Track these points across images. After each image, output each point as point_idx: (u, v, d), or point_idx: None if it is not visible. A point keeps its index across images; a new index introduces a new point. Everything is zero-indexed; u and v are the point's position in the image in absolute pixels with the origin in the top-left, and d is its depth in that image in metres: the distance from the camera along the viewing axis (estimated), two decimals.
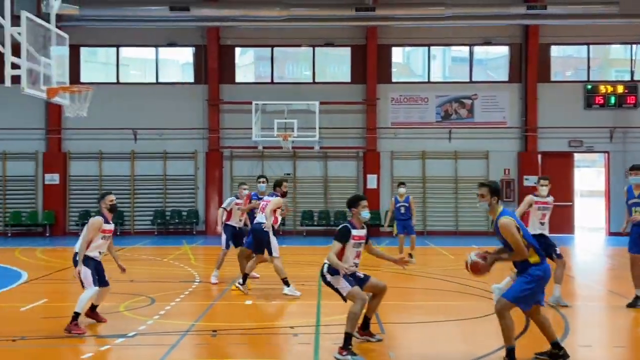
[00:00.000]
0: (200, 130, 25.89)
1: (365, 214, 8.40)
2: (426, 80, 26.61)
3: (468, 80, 26.44)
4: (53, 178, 25.43)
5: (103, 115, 23.45)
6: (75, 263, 9.23)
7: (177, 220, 25.85)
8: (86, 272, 9.18)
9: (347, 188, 26.00)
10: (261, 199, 12.92)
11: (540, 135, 25.85)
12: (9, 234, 25.18)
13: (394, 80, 26.41)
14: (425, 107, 26.04)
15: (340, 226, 8.42)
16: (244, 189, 13.66)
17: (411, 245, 16.96)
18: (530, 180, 25.63)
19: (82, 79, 24.67)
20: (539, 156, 25.88)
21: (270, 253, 12.02)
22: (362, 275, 8.53)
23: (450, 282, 13.47)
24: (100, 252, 9.42)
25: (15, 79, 9.39)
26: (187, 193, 26.06)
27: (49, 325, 9.41)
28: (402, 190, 17.12)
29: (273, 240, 11.96)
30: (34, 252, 19.54)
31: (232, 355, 8.23)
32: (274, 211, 12.01)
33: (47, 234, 25.38)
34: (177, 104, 25.77)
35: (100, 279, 9.37)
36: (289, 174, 25.94)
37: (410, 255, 16.19)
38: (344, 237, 8.26)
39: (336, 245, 8.26)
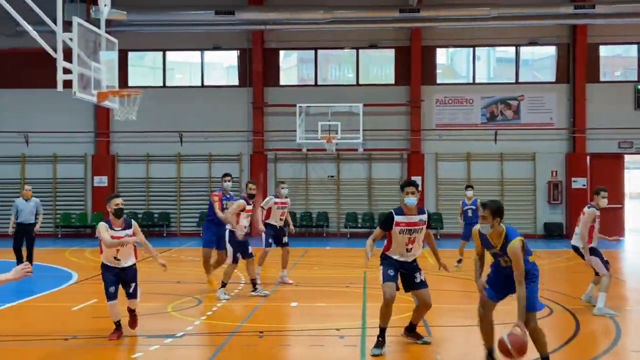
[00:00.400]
0: (244, 133, 26.10)
1: (409, 200, 8.33)
2: (471, 81, 26.37)
3: (514, 81, 26.12)
4: (102, 180, 25.90)
5: (150, 118, 23.78)
6: None
7: None
8: (104, 283, 8.93)
9: (391, 190, 25.91)
10: (229, 198, 12.85)
11: (589, 137, 25.39)
12: (59, 235, 25.71)
13: (438, 81, 26.23)
14: (470, 109, 25.81)
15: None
16: (282, 188, 13.58)
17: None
18: (578, 182, 25.25)
19: (130, 83, 25.06)
20: (588, 158, 25.43)
21: (243, 256, 11.78)
22: (418, 279, 8.46)
23: None
24: (115, 258, 8.98)
25: (67, 84, 9.59)
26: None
27: (99, 325, 9.58)
28: (469, 193, 16.73)
29: (229, 246, 11.82)
30: (84, 252, 19.92)
31: (279, 357, 8.27)
32: (238, 214, 11.68)
33: (96, 236, 25.77)
34: (222, 107, 26.02)
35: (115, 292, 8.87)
36: (332, 176, 25.98)
37: (460, 261, 15.87)
38: (384, 223, 8.43)
39: (377, 230, 8.57)
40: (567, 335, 8.98)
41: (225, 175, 13.31)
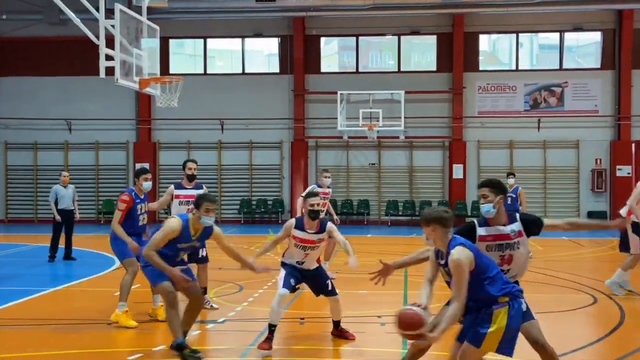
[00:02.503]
0: (285, 120, 26.12)
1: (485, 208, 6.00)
2: (514, 68, 25.96)
3: (558, 67, 25.64)
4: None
5: (191, 105, 23.93)
6: None
7: (262, 209, 26.19)
8: None
9: (433, 178, 25.78)
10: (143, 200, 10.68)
11: (635, 124, 24.84)
12: (102, 222, 26.10)
13: (480, 68, 25.88)
14: (513, 96, 25.42)
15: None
16: (326, 177, 12.95)
17: None
18: (623, 171, 24.73)
19: (171, 71, 25.26)
20: (633, 145, 24.87)
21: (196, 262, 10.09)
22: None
23: (535, 273, 13.10)
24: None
25: (109, 71, 9.67)
26: (272, 182, 26.35)
27: (142, 309, 9.67)
28: (510, 180, 16.06)
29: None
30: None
31: (321, 343, 8.26)
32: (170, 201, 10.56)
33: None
34: (263, 95, 26.07)
35: None
36: (374, 164, 25.87)
37: None
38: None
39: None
40: (613, 324, 8.80)
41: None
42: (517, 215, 6.06)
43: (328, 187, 12.79)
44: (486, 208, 5.86)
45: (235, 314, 9.50)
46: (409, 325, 5.44)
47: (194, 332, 8.41)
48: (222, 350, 8.00)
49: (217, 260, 13.51)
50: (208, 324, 8.85)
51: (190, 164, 10.70)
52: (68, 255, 15.16)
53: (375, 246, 18.85)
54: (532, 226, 5.92)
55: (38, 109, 26.31)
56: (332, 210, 13.21)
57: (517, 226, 5.93)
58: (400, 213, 25.60)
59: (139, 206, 9.42)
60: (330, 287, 8.33)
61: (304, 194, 13.08)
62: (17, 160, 26.52)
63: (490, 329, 5.21)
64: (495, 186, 5.96)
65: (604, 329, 8.59)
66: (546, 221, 5.99)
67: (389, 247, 18.44)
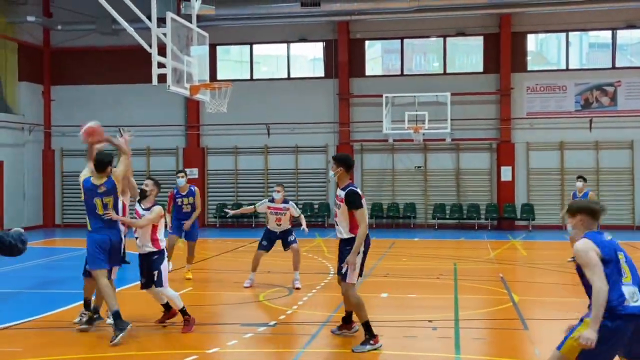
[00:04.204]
0: (331, 124, 26.15)
1: None
2: (564, 67, 25.53)
3: (610, 66, 25.13)
4: (192, 172, 26.48)
5: (237, 111, 24.00)
6: None
7: (309, 213, 26.22)
8: None
9: (480, 180, 25.49)
10: (184, 195, 13.10)
11: None
12: None
13: (529, 68, 25.53)
14: (563, 96, 24.99)
15: None
16: (277, 191, 12.91)
17: None
18: None
19: (218, 77, 25.52)
20: None
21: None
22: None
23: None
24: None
25: (160, 79, 9.84)
26: (318, 186, 26.41)
27: (195, 312, 9.76)
28: (579, 184, 15.39)
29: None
30: (177, 242, 20.36)
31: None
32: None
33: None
34: (308, 99, 26.15)
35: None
36: (420, 167, 25.72)
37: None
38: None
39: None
40: None
41: (179, 171, 13.93)
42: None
43: (283, 203, 12.42)
44: (330, 174, 8.04)
45: (286, 317, 9.55)
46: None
47: (246, 335, 8.47)
48: (273, 354, 8.04)
49: (266, 264, 13.62)
50: (259, 327, 8.90)
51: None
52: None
53: (422, 250, 18.74)
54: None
55: (91, 116, 26.64)
56: (302, 221, 12.67)
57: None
58: (447, 216, 25.37)
59: (178, 200, 13.06)
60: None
61: (257, 205, 12.75)
62: (72, 167, 27.07)
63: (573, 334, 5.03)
64: (336, 159, 8.11)
65: None
66: None
67: (436, 251, 18.30)
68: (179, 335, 8.55)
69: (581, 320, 5.01)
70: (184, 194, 13.24)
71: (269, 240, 12.17)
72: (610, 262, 5.02)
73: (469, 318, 9.42)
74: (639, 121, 24.45)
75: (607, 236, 5.22)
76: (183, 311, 8.68)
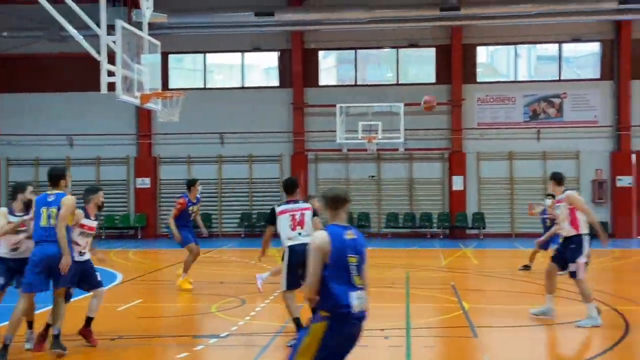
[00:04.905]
0: (285, 134, 26.16)
1: None
2: (513, 79, 26.05)
3: (557, 78, 25.73)
4: (144, 182, 26.23)
5: (191, 120, 23.89)
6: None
7: (263, 223, 26.12)
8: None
9: (433, 190, 25.79)
10: (194, 203, 13.19)
11: (635, 134, 24.90)
12: (103, 236, 26.06)
13: (479, 80, 25.97)
14: (512, 107, 25.49)
15: None
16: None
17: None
18: (624, 181, 24.78)
19: (171, 86, 25.32)
20: (634, 156, 24.91)
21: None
22: None
23: (535, 284, 13.08)
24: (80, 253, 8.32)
25: (110, 86, 9.70)
26: (272, 196, 26.32)
27: (145, 325, 9.67)
28: (548, 202, 14.98)
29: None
30: (127, 254, 20.16)
31: None
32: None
33: (139, 237, 26.17)
34: (262, 108, 26.12)
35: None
36: (373, 176, 25.89)
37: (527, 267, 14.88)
38: None
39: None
40: (617, 336, 8.78)
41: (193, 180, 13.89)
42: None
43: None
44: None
45: (238, 328, 9.48)
46: None
47: (197, 347, 8.38)
48: None
49: (218, 275, 13.52)
50: (211, 338, 8.83)
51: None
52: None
53: (375, 259, 18.77)
54: None
55: (39, 125, 26.35)
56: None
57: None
58: (400, 225, 25.58)
59: (190, 208, 12.94)
60: None
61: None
62: (18, 177, 26.47)
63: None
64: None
65: (609, 341, 8.57)
66: None
67: (389, 260, 18.42)
68: (127, 350, 8.41)
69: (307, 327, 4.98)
70: (195, 202, 13.14)
71: None
72: None
73: (420, 326, 9.49)
74: (585, 132, 25.08)
75: None
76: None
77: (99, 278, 8.52)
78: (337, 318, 4.87)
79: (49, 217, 7.91)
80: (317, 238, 4.95)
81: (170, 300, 12.40)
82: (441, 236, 25.11)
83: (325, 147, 25.52)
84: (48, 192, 8.10)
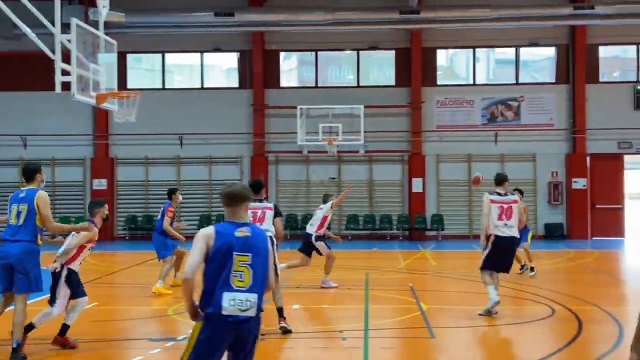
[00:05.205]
0: (245, 135, 26.04)
1: None
2: (471, 82, 26.35)
3: (514, 82, 26.10)
4: (101, 183, 25.85)
5: (149, 121, 23.67)
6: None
7: None
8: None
9: (393, 192, 25.91)
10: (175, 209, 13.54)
11: (589, 137, 25.36)
12: (56, 237, 25.58)
13: (439, 83, 26.19)
14: (470, 110, 25.77)
15: None
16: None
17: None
18: (579, 183, 25.22)
19: (129, 86, 25.01)
20: (588, 158, 25.39)
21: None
22: None
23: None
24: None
25: (65, 86, 9.53)
26: None
27: (100, 329, 9.52)
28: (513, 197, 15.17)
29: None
30: None
31: (282, 359, 8.21)
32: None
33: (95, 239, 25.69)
34: (222, 109, 25.95)
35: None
36: (334, 178, 25.91)
37: (529, 267, 14.54)
38: None
39: None
40: (570, 335, 8.92)
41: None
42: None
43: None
44: None
45: None
46: None
47: (153, 350, 8.28)
48: None
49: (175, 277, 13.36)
50: (168, 341, 8.73)
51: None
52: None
53: (336, 261, 18.80)
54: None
55: None
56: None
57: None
58: (360, 227, 25.66)
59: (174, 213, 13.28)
60: None
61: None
62: None
63: None
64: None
65: (562, 341, 8.71)
66: None
67: (349, 262, 18.44)
68: (80, 354, 8.26)
69: None
70: (176, 209, 13.47)
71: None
72: None
73: (378, 327, 9.51)
74: (541, 135, 25.48)
75: None
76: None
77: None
78: (207, 318, 4.77)
79: (18, 214, 7.73)
80: (203, 230, 4.88)
81: (126, 303, 12.24)
82: (401, 238, 25.26)
83: (286, 148, 25.47)
84: (22, 188, 8.01)
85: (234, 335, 4.77)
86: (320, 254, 13.36)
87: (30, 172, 8.10)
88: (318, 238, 13.33)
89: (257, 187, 9.80)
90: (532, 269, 14.41)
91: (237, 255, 4.77)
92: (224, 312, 4.72)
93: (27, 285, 7.74)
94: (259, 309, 4.84)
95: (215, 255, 4.78)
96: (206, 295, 4.80)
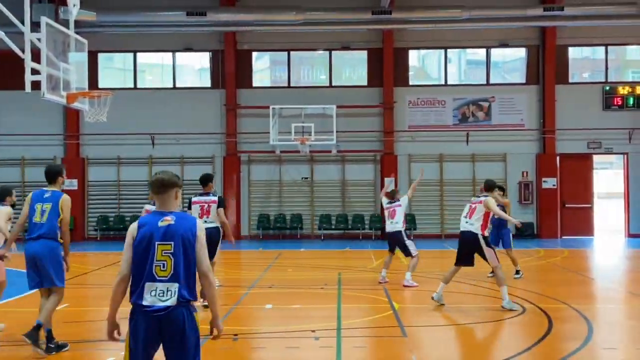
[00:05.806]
0: (217, 135, 25.96)
1: None
2: (443, 83, 26.53)
3: (485, 82, 26.34)
4: (72, 183, 25.54)
5: (120, 120, 23.51)
6: None
7: None
8: None
9: (365, 191, 26.00)
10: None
11: (559, 137, 25.69)
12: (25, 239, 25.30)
13: (410, 83, 26.34)
14: (442, 110, 25.96)
15: None
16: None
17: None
18: (549, 182, 25.53)
19: (100, 85, 24.83)
20: (558, 158, 25.72)
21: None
22: None
23: (464, 284, 13.38)
24: None
25: (35, 85, 9.43)
26: None
27: (71, 330, 9.44)
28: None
29: None
30: None
31: (254, 359, 8.22)
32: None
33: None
34: (194, 109, 25.85)
35: None
36: (306, 178, 25.94)
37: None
38: None
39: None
40: (540, 333, 9.04)
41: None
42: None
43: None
44: None
45: None
46: None
47: (123, 352, 8.21)
48: None
49: None
50: None
51: None
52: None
53: (308, 260, 18.88)
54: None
55: None
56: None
57: None
58: (333, 227, 25.72)
59: None
60: None
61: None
62: None
63: None
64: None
65: (533, 339, 8.82)
66: None
67: (322, 261, 18.49)
68: (53, 355, 8.19)
69: None
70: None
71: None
72: None
73: (350, 327, 9.56)
74: (512, 135, 25.75)
75: None
76: None
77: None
78: (132, 309, 4.77)
79: (42, 212, 8.21)
80: (132, 224, 4.88)
81: (97, 305, 12.14)
82: (373, 237, 25.36)
83: (258, 148, 25.44)
84: (44, 189, 8.59)
85: (158, 327, 4.72)
86: (407, 252, 13.72)
87: (53, 174, 8.78)
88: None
89: (204, 181, 10.85)
90: (517, 272, 14.58)
91: (159, 244, 4.72)
92: (144, 302, 4.70)
93: (51, 280, 8.36)
94: (182, 298, 4.74)
95: (138, 246, 4.75)
96: (133, 286, 4.79)
